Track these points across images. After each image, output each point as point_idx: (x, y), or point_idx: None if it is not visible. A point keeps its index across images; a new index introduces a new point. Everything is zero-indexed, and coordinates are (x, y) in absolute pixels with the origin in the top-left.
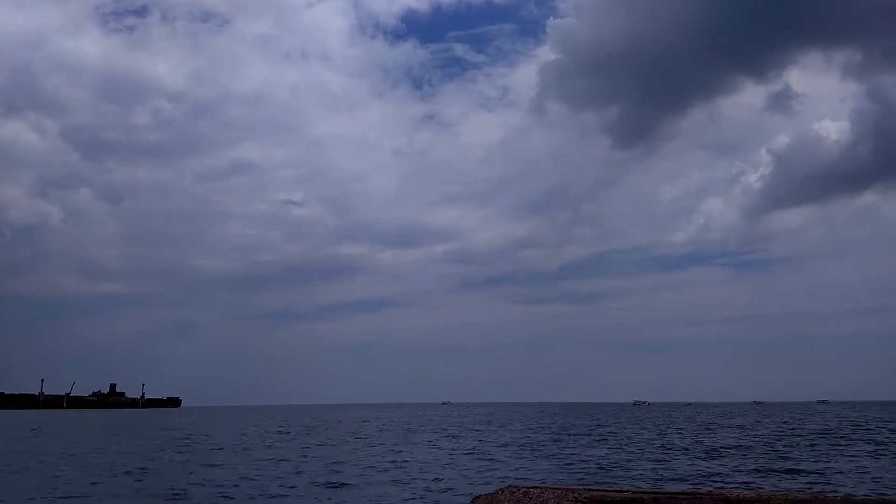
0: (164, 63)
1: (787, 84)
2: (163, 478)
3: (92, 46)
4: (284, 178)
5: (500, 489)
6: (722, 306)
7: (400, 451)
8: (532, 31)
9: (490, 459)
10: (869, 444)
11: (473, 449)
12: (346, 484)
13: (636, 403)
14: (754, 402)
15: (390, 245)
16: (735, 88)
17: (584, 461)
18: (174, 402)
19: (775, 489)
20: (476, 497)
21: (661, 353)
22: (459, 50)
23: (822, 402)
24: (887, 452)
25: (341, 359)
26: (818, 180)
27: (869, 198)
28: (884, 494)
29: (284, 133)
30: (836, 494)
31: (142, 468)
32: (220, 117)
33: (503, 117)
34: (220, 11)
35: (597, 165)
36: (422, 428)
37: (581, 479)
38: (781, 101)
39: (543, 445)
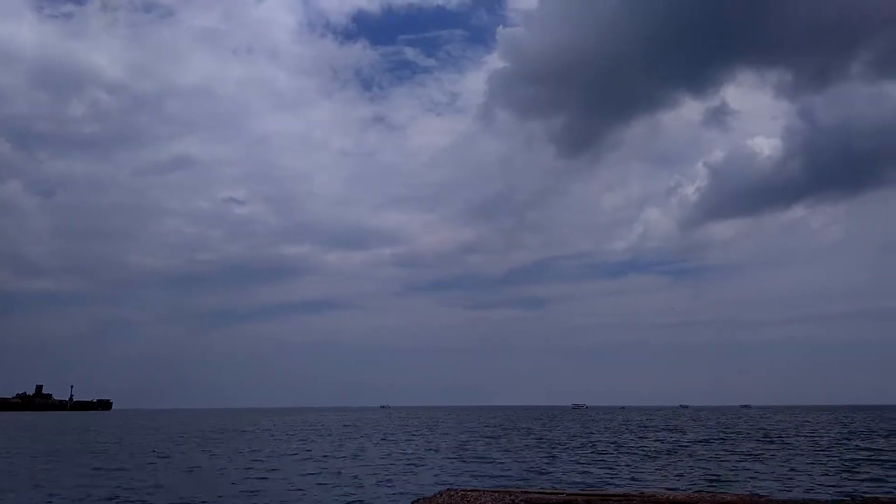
0: (102, 53)
1: (724, 101)
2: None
3: (27, 32)
4: (227, 175)
5: (439, 493)
6: (659, 312)
7: (333, 458)
8: (482, 38)
9: (428, 463)
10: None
11: (412, 453)
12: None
13: (575, 407)
14: (680, 405)
15: (336, 246)
16: (675, 103)
17: (520, 464)
18: (104, 405)
19: (703, 491)
20: (415, 501)
21: (601, 358)
22: (410, 53)
23: (746, 406)
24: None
25: (283, 361)
26: (751, 194)
27: (798, 212)
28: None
29: (228, 129)
30: (763, 496)
31: None
32: (160, 111)
33: (452, 122)
34: (164, 2)
35: (542, 173)
36: (359, 432)
37: (518, 482)
38: (718, 117)
39: (481, 449)
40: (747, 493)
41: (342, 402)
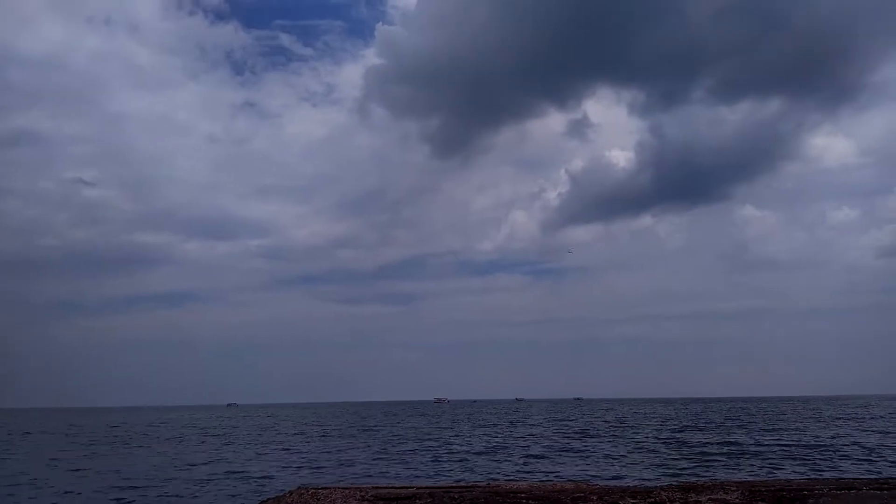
0: None
1: (586, 114)
2: None
3: None
4: (76, 154)
5: (289, 491)
6: (522, 310)
7: (179, 457)
8: (361, 31)
9: (276, 462)
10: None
11: (260, 453)
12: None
13: (437, 401)
14: (516, 398)
15: (198, 236)
16: (542, 113)
17: (372, 459)
18: None
19: (544, 480)
20: (264, 501)
21: (465, 353)
22: (285, 40)
23: (578, 399)
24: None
25: (134, 357)
26: (605, 201)
27: (646, 220)
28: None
29: (80, 104)
30: (597, 483)
31: None
32: (0, 79)
33: (327, 114)
34: None
35: (416, 171)
36: (204, 433)
37: (366, 478)
38: (579, 129)
39: (333, 445)
40: (582, 480)
41: (194, 400)
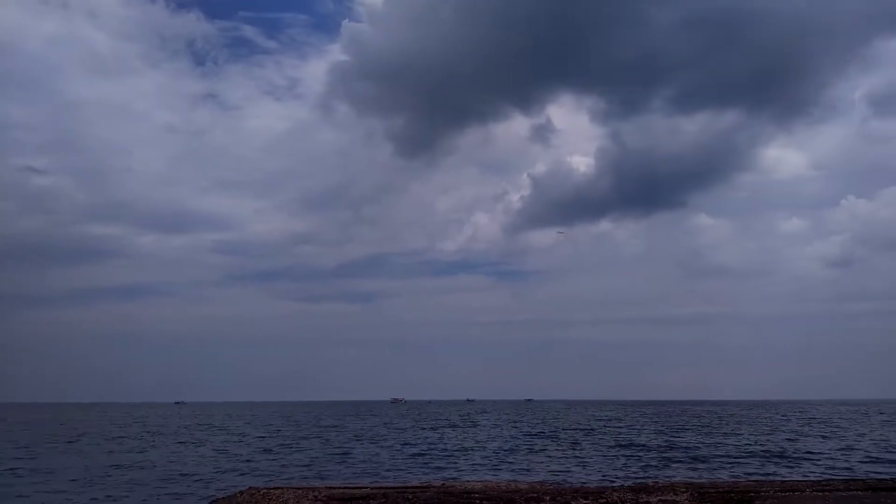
0: None
1: (549, 119)
2: None
3: None
4: (26, 140)
5: (240, 492)
6: (483, 311)
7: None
8: (327, 27)
9: (226, 462)
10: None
11: (209, 453)
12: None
13: (394, 401)
14: (468, 399)
15: (152, 229)
16: (506, 117)
17: (324, 459)
18: None
19: (498, 481)
20: (213, 501)
21: (425, 353)
22: (249, 32)
23: (529, 400)
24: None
25: (83, 351)
26: (567, 205)
27: (605, 225)
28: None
29: (32, 90)
30: (553, 483)
31: None
32: None
33: (290, 109)
34: None
35: (380, 170)
36: (149, 431)
37: (315, 479)
38: (542, 134)
39: (281, 444)
40: (536, 481)
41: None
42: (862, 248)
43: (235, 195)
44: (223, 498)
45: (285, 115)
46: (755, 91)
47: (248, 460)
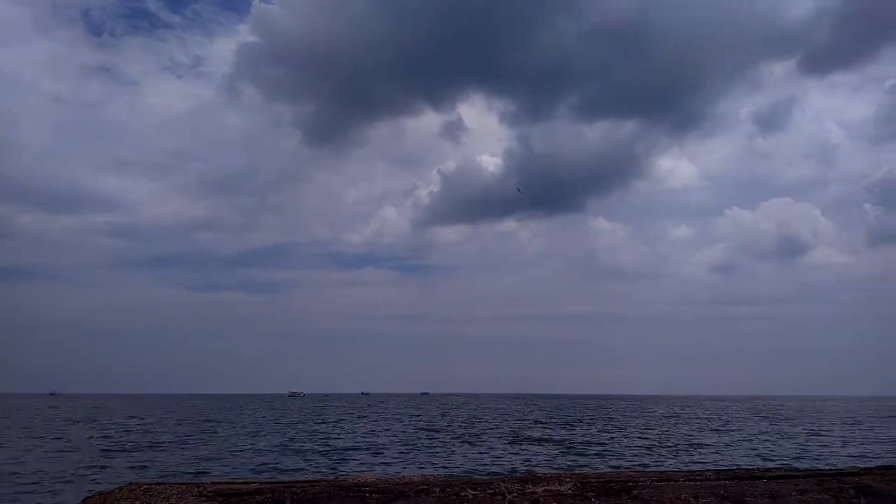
0: None
1: (460, 117)
2: None
3: None
4: None
5: (119, 487)
6: (387, 305)
7: None
8: (236, 5)
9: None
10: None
11: (85, 446)
12: None
13: (292, 395)
14: (362, 392)
15: (34, 207)
16: (418, 112)
17: (212, 455)
18: None
19: (391, 474)
20: (88, 496)
21: (326, 346)
22: (151, 5)
23: (425, 393)
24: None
25: None
26: (474, 204)
27: (509, 224)
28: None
29: None
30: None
31: None
32: None
33: (193, 88)
34: None
35: (287, 157)
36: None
37: (197, 475)
38: (453, 132)
39: (164, 440)
40: (429, 474)
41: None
42: (743, 255)
43: (130, 175)
44: (99, 493)
45: (187, 93)
46: (652, 103)
47: (124, 455)
